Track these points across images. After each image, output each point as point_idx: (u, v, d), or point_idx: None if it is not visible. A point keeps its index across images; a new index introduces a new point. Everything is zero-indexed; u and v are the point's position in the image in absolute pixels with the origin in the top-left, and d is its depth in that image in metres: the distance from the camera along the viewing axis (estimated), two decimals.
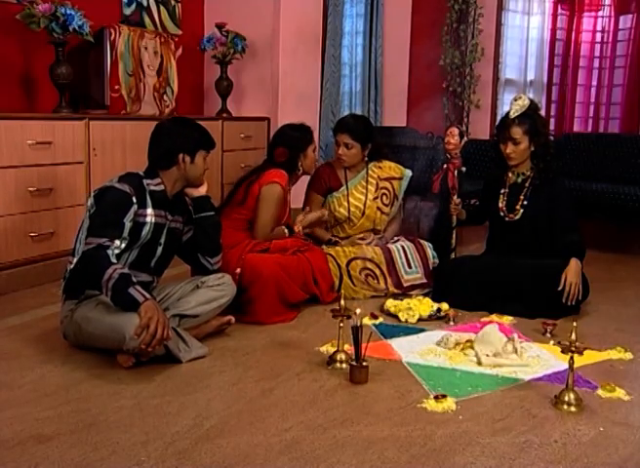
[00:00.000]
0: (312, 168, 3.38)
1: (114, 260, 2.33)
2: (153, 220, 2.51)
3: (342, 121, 3.60)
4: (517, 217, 3.27)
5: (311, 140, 3.32)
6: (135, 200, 2.44)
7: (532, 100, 3.25)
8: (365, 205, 3.52)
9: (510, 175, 3.31)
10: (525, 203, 3.25)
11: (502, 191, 3.32)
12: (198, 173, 2.64)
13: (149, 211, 2.50)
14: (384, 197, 3.57)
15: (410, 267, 3.41)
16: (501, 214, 3.30)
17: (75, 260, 2.44)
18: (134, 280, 2.31)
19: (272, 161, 3.25)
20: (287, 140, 3.26)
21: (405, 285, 3.38)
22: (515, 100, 3.21)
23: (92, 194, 2.51)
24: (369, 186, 3.54)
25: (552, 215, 3.21)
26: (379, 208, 3.55)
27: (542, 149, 3.20)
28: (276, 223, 3.18)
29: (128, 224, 2.41)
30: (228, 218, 3.06)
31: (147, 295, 2.28)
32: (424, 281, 3.42)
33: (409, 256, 3.43)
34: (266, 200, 3.11)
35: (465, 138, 3.55)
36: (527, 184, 3.27)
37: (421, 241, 3.55)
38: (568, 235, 3.16)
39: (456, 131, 3.52)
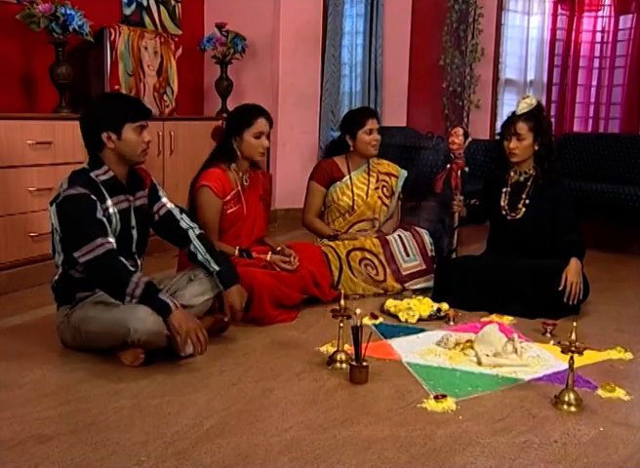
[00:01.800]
0: (254, 155, 3.07)
1: (132, 268, 2.34)
2: (116, 209, 2.45)
3: (367, 108, 3.80)
4: (519, 216, 3.27)
5: (250, 124, 3.01)
6: (94, 197, 2.36)
7: (539, 102, 3.27)
8: (367, 194, 3.56)
9: (512, 173, 3.31)
10: (527, 202, 3.26)
11: (504, 190, 3.32)
12: (133, 149, 2.42)
13: (109, 202, 2.42)
14: (384, 189, 3.62)
15: (408, 255, 3.44)
16: (503, 212, 3.31)
17: (59, 272, 2.46)
18: (158, 286, 2.34)
19: (214, 149, 3.13)
20: (227, 119, 3.13)
21: (404, 273, 3.40)
22: (523, 99, 3.25)
23: (50, 205, 2.41)
24: (370, 178, 3.60)
25: (554, 216, 3.21)
26: (379, 197, 3.59)
27: (546, 150, 3.20)
28: (215, 227, 3.00)
29: (103, 219, 2.36)
30: None
31: (177, 303, 2.32)
32: (424, 267, 3.44)
33: (406, 245, 3.45)
34: (197, 206, 3.00)
35: (470, 139, 3.56)
36: (529, 183, 3.27)
37: (418, 229, 3.57)
38: (568, 235, 3.16)
39: (460, 131, 3.52)
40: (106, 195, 2.42)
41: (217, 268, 2.61)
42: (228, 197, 3.04)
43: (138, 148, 2.44)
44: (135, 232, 2.54)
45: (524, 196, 3.27)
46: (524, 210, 3.26)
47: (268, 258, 3.06)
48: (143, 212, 2.59)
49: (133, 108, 2.45)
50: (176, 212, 2.66)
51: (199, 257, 2.63)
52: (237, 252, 3.02)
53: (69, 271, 2.46)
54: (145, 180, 2.62)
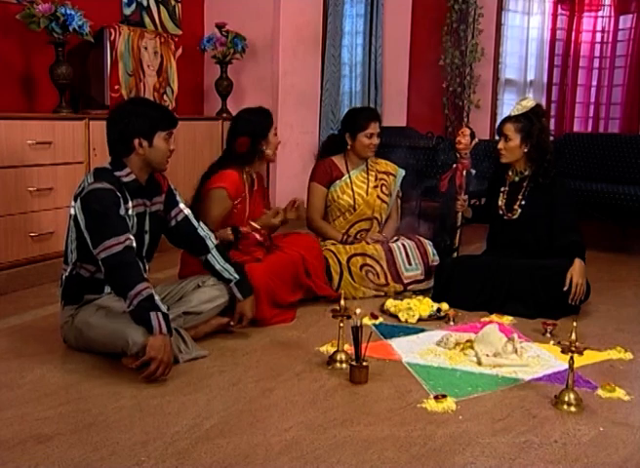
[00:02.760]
0: (275, 153, 3.20)
1: (146, 276, 2.33)
2: (135, 212, 2.46)
3: (371, 110, 3.72)
4: (515, 217, 3.28)
5: (272, 124, 3.16)
6: (119, 194, 2.37)
7: (538, 105, 3.26)
8: (367, 192, 3.57)
9: (510, 173, 3.32)
10: (523, 203, 3.26)
11: (503, 189, 3.34)
12: (160, 156, 2.46)
13: (130, 204, 2.43)
14: (384, 187, 3.62)
15: (410, 264, 3.43)
16: (500, 212, 3.32)
17: (69, 269, 2.44)
18: (159, 305, 2.28)
19: (232, 151, 3.12)
20: (247, 128, 3.12)
21: (405, 281, 3.40)
22: (521, 100, 3.29)
23: (74, 200, 2.40)
24: (369, 177, 3.61)
25: (551, 216, 3.21)
26: (378, 196, 3.59)
27: (537, 153, 3.20)
28: (218, 224, 3.00)
29: (126, 217, 2.38)
30: None
31: (164, 328, 2.24)
32: (424, 277, 3.45)
33: (409, 254, 3.45)
34: (207, 202, 3.02)
35: (476, 140, 3.56)
36: (525, 184, 3.28)
37: (421, 239, 3.57)
38: (569, 235, 3.16)
39: (467, 131, 3.54)
40: (128, 196, 2.43)
41: (237, 277, 2.67)
42: (239, 199, 3.07)
43: (164, 156, 2.48)
44: (147, 237, 2.55)
45: (520, 197, 3.28)
46: (520, 211, 3.27)
47: (258, 225, 3.06)
48: (158, 217, 2.60)
49: (164, 117, 2.48)
50: (192, 218, 2.68)
51: (217, 267, 2.67)
52: (230, 230, 3.00)
53: (79, 270, 2.45)
54: (163, 186, 2.63)
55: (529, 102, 3.22)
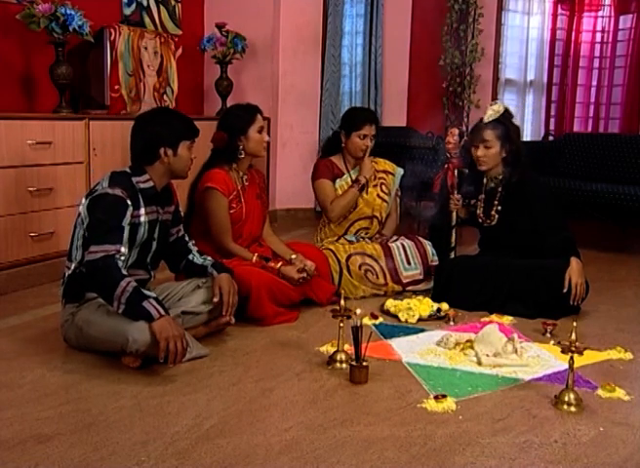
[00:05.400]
0: (260, 151, 3.12)
1: (125, 272, 2.33)
2: (147, 219, 2.49)
3: (369, 112, 3.67)
4: (494, 223, 3.28)
5: (253, 120, 3.07)
6: (129, 202, 2.40)
7: (507, 109, 3.24)
8: (366, 191, 3.57)
9: (485, 180, 3.31)
10: (499, 208, 3.26)
11: (480, 197, 3.33)
12: (183, 165, 2.54)
13: (142, 210, 2.47)
14: (383, 186, 3.62)
15: (409, 264, 3.43)
16: (480, 220, 3.32)
17: (73, 267, 2.45)
18: (146, 293, 2.30)
19: (214, 150, 3.11)
20: (225, 122, 3.11)
21: (404, 281, 3.41)
22: (491, 105, 3.26)
23: (85, 198, 2.45)
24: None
25: (532, 216, 3.18)
26: (378, 195, 3.59)
27: (513, 157, 3.19)
28: (228, 227, 3.02)
29: (127, 228, 2.39)
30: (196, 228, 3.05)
31: (161, 311, 2.26)
32: (423, 277, 3.46)
33: (408, 254, 3.45)
34: (205, 208, 3.01)
35: (465, 138, 3.56)
36: (500, 189, 3.27)
37: (421, 239, 3.57)
38: (557, 232, 3.13)
39: (456, 131, 3.55)
40: (142, 203, 2.46)
41: (212, 261, 2.73)
42: (231, 197, 3.05)
43: (187, 164, 2.56)
44: (154, 244, 2.59)
45: (496, 202, 3.27)
46: (497, 216, 3.27)
47: (278, 267, 3.02)
48: (166, 226, 2.65)
49: (189, 127, 2.55)
50: (186, 235, 2.80)
51: (195, 260, 2.73)
52: (256, 258, 3.02)
53: (82, 268, 2.45)
54: (174, 197, 2.69)
55: (500, 107, 3.20)
